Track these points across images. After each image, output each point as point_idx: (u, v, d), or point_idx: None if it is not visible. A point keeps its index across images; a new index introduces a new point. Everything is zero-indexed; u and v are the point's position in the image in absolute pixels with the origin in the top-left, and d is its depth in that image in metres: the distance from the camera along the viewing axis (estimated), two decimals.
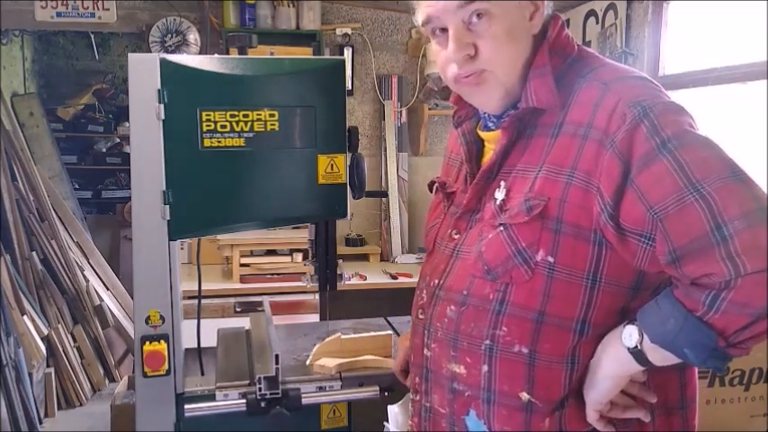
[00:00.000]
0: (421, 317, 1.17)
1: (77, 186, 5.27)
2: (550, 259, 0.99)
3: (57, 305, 3.87)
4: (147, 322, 1.39)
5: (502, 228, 1.03)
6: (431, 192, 1.30)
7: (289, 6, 3.70)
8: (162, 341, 1.39)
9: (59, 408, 3.69)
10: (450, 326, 1.09)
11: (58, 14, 3.77)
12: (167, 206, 1.37)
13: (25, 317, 3.56)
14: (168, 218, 1.38)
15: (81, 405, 3.76)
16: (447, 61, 1.07)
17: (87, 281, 4.01)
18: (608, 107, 0.97)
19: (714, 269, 0.88)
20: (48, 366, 3.65)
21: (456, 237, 1.14)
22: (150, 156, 1.36)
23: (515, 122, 1.06)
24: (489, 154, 1.15)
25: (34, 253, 3.87)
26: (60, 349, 3.74)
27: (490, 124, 1.14)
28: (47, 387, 3.59)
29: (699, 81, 2.74)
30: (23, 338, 3.43)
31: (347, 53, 3.87)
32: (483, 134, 1.17)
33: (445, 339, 1.09)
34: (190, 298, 1.77)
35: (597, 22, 3.37)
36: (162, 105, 1.35)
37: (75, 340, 3.89)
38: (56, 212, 4.08)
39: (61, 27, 4.23)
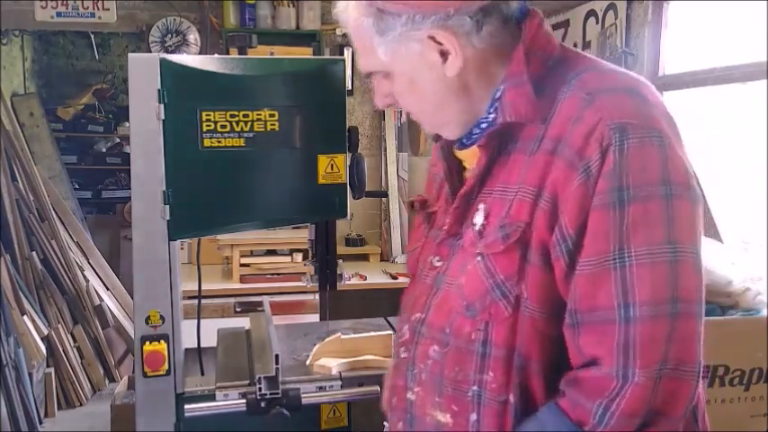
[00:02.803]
0: (404, 355, 1.04)
1: (77, 186, 5.26)
2: (526, 294, 0.89)
3: (57, 305, 3.87)
4: (147, 322, 1.39)
5: (480, 258, 0.92)
6: (412, 209, 1.20)
7: (289, 6, 3.70)
8: (162, 341, 1.39)
9: (59, 408, 3.68)
10: (434, 368, 0.97)
11: (58, 14, 3.77)
12: (167, 206, 1.37)
13: (25, 317, 3.56)
14: (168, 218, 1.38)
15: (81, 405, 3.76)
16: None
17: (87, 281, 4.01)
18: (588, 124, 0.85)
19: (606, 355, 0.83)
20: (48, 366, 3.65)
21: (438, 264, 1.02)
22: (150, 156, 1.36)
23: (495, 138, 0.95)
24: (469, 171, 1.04)
25: (34, 253, 3.87)
26: (60, 349, 3.74)
27: (463, 139, 1.03)
28: (47, 387, 3.59)
29: (699, 81, 2.74)
30: (23, 338, 3.43)
31: (347, 53, 3.85)
32: (458, 153, 1.06)
33: (430, 383, 0.98)
34: (190, 298, 1.77)
35: (597, 22, 3.37)
36: (162, 105, 1.35)
37: (75, 340, 3.89)
38: (56, 212, 4.07)
39: (61, 27, 4.23)
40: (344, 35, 0.97)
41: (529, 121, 0.91)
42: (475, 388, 0.93)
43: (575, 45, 3.62)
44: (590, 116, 0.86)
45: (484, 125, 0.97)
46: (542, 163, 0.89)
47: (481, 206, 0.95)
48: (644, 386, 0.81)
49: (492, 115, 0.96)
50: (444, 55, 0.93)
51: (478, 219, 0.95)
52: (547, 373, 0.90)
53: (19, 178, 3.95)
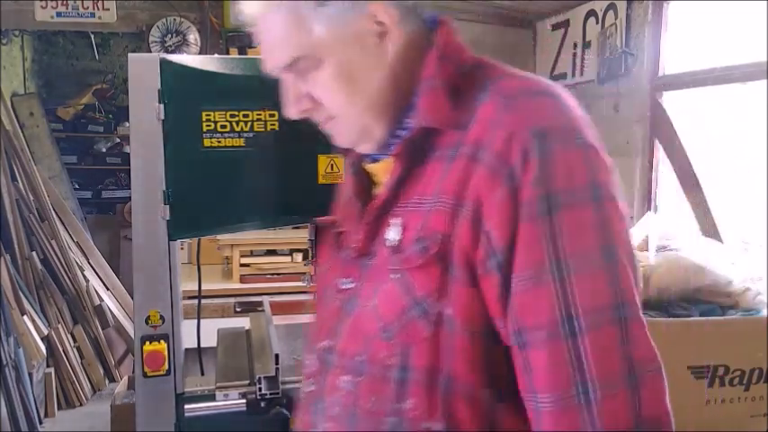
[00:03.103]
0: (310, 389, 0.96)
1: (77, 186, 5.27)
2: (450, 311, 0.82)
3: (57, 305, 3.88)
4: (147, 322, 1.39)
5: (396, 274, 0.85)
6: (318, 231, 1.12)
7: None
8: (162, 341, 1.39)
9: (59, 408, 3.69)
10: (346, 400, 0.88)
11: (58, 14, 3.78)
12: (167, 206, 1.38)
13: (25, 317, 3.56)
14: (168, 218, 1.38)
15: (81, 405, 3.77)
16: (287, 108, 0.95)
17: (87, 281, 4.01)
18: (507, 129, 0.81)
19: (560, 375, 0.77)
20: (48, 366, 3.65)
21: (347, 287, 0.93)
22: (150, 156, 1.36)
23: (409, 146, 0.88)
24: (382, 186, 0.96)
25: (34, 253, 3.87)
26: (60, 349, 3.75)
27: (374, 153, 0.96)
28: (47, 387, 3.60)
29: (699, 81, 2.74)
30: (23, 338, 3.44)
31: None
32: (368, 167, 0.98)
33: (342, 417, 0.89)
34: (190, 298, 1.77)
35: (597, 22, 3.37)
36: (162, 105, 1.35)
37: (75, 340, 3.89)
38: (56, 212, 4.08)
39: (61, 27, 4.24)
40: None
41: (446, 127, 0.86)
42: (392, 419, 0.84)
43: (575, 45, 3.62)
44: (509, 120, 0.82)
45: (401, 133, 0.92)
46: (462, 169, 0.83)
47: (396, 220, 0.88)
48: (611, 401, 0.77)
49: (410, 121, 0.91)
50: (381, 37, 0.88)
51: (393, 234, 0.88)
52: (475, 395, 0.83)
53: (19, 178, 3.96)
